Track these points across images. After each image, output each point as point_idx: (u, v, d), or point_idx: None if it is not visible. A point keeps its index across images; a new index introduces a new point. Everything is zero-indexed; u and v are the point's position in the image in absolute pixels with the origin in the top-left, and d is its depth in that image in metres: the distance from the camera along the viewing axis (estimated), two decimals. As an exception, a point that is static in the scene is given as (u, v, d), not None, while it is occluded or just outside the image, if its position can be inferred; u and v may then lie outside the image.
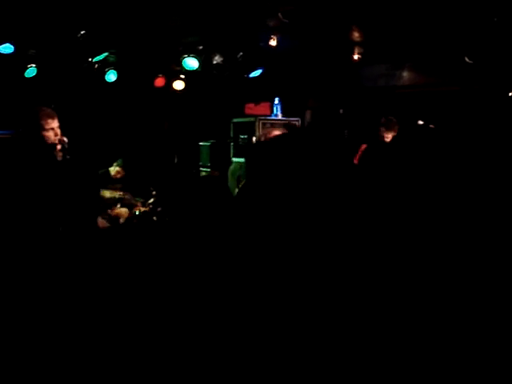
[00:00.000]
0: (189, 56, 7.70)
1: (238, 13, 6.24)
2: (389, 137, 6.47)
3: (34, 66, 7.67)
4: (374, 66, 8.18)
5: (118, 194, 7.71)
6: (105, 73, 8.39)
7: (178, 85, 9.00)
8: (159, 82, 8.92)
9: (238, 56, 7.85)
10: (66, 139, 4.67)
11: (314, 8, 5.21)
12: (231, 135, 8.44)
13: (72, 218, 4.35)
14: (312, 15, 5.54)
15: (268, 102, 8.89)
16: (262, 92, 8.76)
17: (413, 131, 6.64)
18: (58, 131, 4.62)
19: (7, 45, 6.54)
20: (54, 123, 4.60)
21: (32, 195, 4.24)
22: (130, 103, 9.23)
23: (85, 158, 5.05)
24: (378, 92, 8.23)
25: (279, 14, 5.22)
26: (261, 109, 8.98)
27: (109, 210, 7.30)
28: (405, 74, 8.02)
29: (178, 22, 6.69)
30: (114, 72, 8.46)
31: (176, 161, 9.28)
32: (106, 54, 7.58)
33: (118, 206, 7.36)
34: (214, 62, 7.92)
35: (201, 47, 7.59)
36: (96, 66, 8.21)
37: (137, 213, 7.25)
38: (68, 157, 4.56)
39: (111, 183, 7.82)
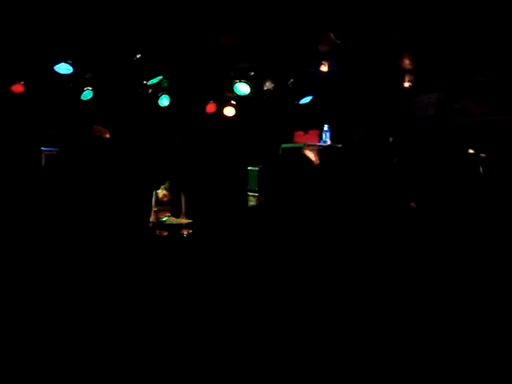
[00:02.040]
0: (240, 81, 7.82)
1: (290, 38, 6.34)
2: None
3: (90, 88, 7.92)
4: (425, 95, 8.14)
5: (165, 216, 7.86)
6: (158, 97, 8.60)
7: (229, 111, 9.14)
8: (211, 107, 9.08)
9: (289, 82, 7.93)
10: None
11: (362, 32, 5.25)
12: (281, 161, 8.47)
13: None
14: (362, 39, 5.58)
15: (317, 129, 8.92)
16: (312, 119, 8.80)
17: (464, 161, 6.54)
18: None
19: (65, 65, 6.74)
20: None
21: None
22: (182, 128, 9.40)
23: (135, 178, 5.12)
24: (428, 121, 8.17)
25: (331, 34, 5.27)
26: (310, 137, 9.02)
27: (157, 232, 7.44)
28: (456, 103, 7.94)
29: (232, 48, 6.84)
30: (167, 97, 8.66)
31: (224, 185, 9.36)
32: (160, 77, 7.77)
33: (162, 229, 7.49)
34: (265, 88, 8.02)
35: (252, 73, 7.70)
36: (150, 90, 8.43)
37: (184, 234, 7.37)
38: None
39: (160, 205, 8.00)
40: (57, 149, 6.06)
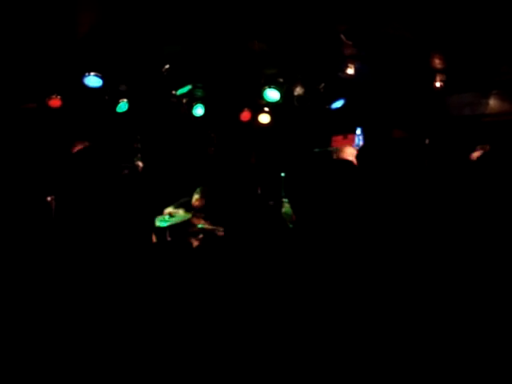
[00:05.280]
0: (269, 88, 7.83)
1: (317, 42, 6.33)
2: None
3: (125, 100, 8.06)
4: (460, 95, 7.97)
5: (201, 224, 7.88)
6: (192, 107, 8.70)
7: (264, 118, 9.17)
8: (245, 115, 9.13)
9: (320, 87, 7.90)
10: (140, 164, 4.88)
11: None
12: (314, 167, 8.46)
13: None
14: (387, 40, 5.52)
15: (354, 134, 8.85)
16: (346, 123, 8.74)
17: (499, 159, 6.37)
18: None
19: (95, 78, 6.88)
20: None
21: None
22: (217, 136, 9.48)
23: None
24: (464, 121, 7.99)
25: (341, 35, 5.24)
26: (348, 142, 8.95)
27: (192, 239, 7.48)
28: (491, 101, 7.75)
29: (261, 55, 6.87)
30: (202, 106, 8.75)
31: (259, 192, 9.37)
32: (189, 86, 7.86)
33: (201, 236, 7.50)
34: (296, 94, 8.01)
35: (281, 79, 7.71)
36: (184, 100, 8.55)
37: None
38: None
39: (195, 212, 8.02)
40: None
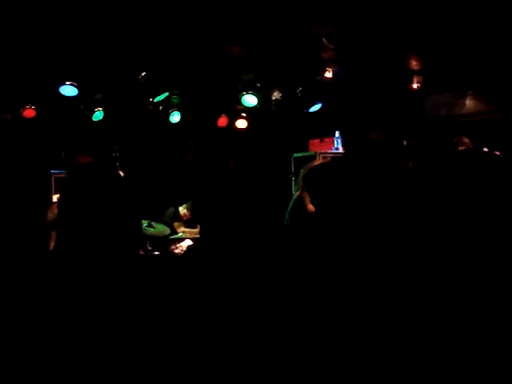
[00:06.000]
0: (247, 93, 7.81)
1: (294, 47, 6.31)
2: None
3: (101, 109, 7.96)
4: (437, 95, 8.04)
5: (182, 232, 7.86)
6: (169, 114, 8.63)
7: (241, 123, 9.13)
8: (222, 121, 9.08)
9: (297, 91, 7.90)
10: (121, 173, 4.80)
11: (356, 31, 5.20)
12: (292, 170, 8.47)
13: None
14: (364, 43, 5.53)
15: (332, 137, 8.86)
16: (324, 127, 8.75)
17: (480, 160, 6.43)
18: None
19: (70, 87, 6.78)
20: None
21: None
22: (195, 143, 9.42)
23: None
24: (441, 121, 8.06)
25: (323, 39, 5.23)
26: (325, 145, 8.96)
27: (173, 247, 7.43)
28: (468, 102, 7.82)
29: (237, 60, 6.84)
30: (178, 113, 8.69)
31: (241, 197, 9.33)
32: (166, 94, 7.80)
33: (182, 244, 7.46)
34: (273, 99, 7.99)
35: (259, 84, 7.69)
36: (160, 107, 8.47)
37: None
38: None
39: (177, 221, 8.03)
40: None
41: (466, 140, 6.38)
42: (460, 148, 6.33)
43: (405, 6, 5.25)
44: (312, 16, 5.00)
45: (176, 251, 7.19)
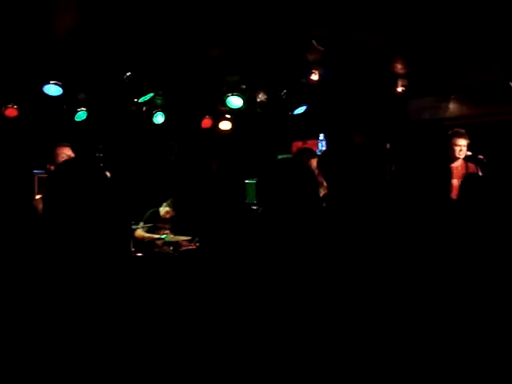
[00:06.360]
0: (232, 95, 7.79)
1: (279, 48, 6.31)
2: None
3: (84, 109, 7.90)
4: (420, 99, 8.09)
5: (165, 234, 7.77)
6: (153, 115, 8.59)
7: (225, 125, 9.12)
8: (206, 123, 9.06)
9: (282, 93, 7.90)
10: (108, 173, 4.74)
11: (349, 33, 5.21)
12: (276, 172, 8.47)
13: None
14: (350, 45, 5.54)
15: (316, 139, 8.89)
16: (308, 129, 8.77)
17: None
18: None
19: (55, 86, 6.71)
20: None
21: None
22: (178, 144, 9.39)
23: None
24: (424, 125, 8.11)
25: (313, 41, 5.23)
26: (308, 147, 8.98)
27: (156, 249, 7.37)
28: (451, 105, 7.89)
29: (222, 61, 6.81)
30: (162, 114, 8.65)
31: (223, 199, 9.32)
32: (151, 94, 7.76)
33: (163, 246, 7.41)
34: (258, 100, 7.99)
35: (244, 86, 7.68)
36: (144, 108, 8.43)
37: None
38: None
39: (160, 222, 7.91)
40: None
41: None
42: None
43: (397, 8, 5.29)
44: (304, 18, 5.00)
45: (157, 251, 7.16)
